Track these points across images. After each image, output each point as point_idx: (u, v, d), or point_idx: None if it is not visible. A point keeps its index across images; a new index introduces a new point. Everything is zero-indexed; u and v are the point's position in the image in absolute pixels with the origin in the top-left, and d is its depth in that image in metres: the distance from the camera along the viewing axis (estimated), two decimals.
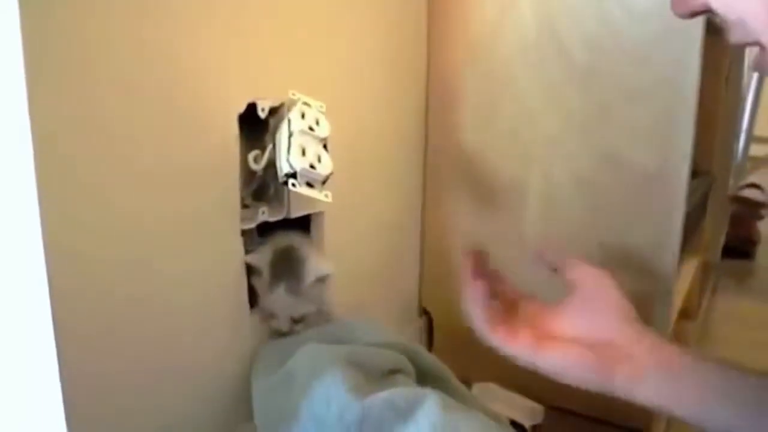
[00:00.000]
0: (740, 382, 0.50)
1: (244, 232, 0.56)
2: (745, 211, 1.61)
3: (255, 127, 0.55)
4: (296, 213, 0.60)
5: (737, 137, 1.27)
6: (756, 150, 1.77)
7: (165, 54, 0.47)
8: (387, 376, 0.53)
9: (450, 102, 0.80)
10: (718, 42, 0.68)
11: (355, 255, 0.70)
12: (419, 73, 0.80)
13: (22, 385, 0.47)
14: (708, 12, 0.36)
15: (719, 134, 1.10)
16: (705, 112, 0.75)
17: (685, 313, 1.03)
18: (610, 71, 0.70)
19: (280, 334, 0.57)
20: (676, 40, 0.66)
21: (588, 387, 0.51)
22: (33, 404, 0.46)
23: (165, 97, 0.47)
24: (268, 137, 0.56)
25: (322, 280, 0.58)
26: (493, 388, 0.74)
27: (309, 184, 0.53)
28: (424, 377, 0.57)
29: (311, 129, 0.53)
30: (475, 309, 0.54)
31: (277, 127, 0.55)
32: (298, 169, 0.51)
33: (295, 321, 0.57)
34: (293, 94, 0.55)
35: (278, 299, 0.56)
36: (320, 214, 0.64)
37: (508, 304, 0.58)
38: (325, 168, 0.53)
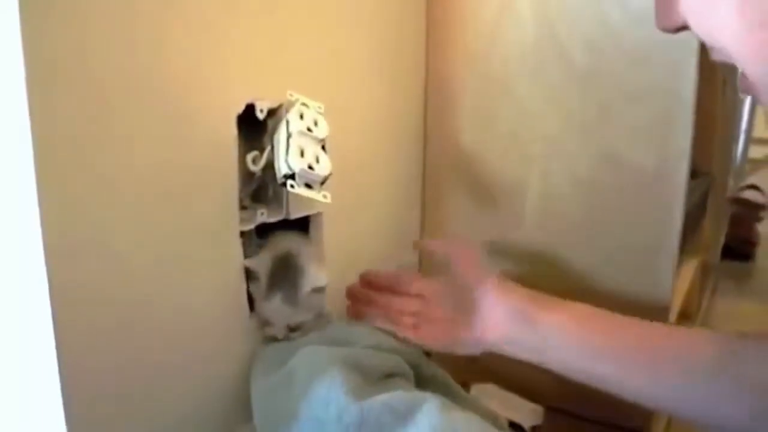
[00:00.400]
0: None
1: (242, 234, 0.56)
2: (745, 213, 1.61)
3: (253, 128, 0.55)
4: (295, 214, 0.60)
5: (736, 139, 1.27)
6: (755, 152, 1.78)
7: (163, 55, 0.47)
8: (386, 379, 0.53)
9: (449, 103, 0.80)
10: None
11: (354, 256, 0.70)
12: (418, 74, 0.80)
13: (22, 386, 0.47)
14: (689, 29, 0.37)
15: (718, 136, 1.10)
16: (704, 114, 0.75)
17: (685, 314, 1.03)
18: (610, 73, 0.70)
19: (275, 342, 0.57)
20: (674, 42, 0.66)
21: (470, 353, 0.61)
22: (32, 406, 0.46)
23: (163, 99, 0.47)
24: (266, 138, 0.56)
25: (319, 290, 0.58)
26: (491, 389, 0.74)
27: (308, 185, 0.53)
28: (423, 381, 0.57)
29: (310, 130, 0.53)
30: (387, 325, 0.61)
31: (275, 128, 0.55)
32: (296, 170, 0.51)
33: (292, 329, 0.57)
34: (291, 95, 0.55)
35: (274, 307, 0.56)
36: (319, 215, 0.64)
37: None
38: (323, 169, 0.53)
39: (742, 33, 0.33)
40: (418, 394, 0.49)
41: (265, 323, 0.57)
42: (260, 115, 0.55)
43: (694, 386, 0.53)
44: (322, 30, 0.62)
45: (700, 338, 0.55)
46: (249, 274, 0.56)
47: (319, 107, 0.56)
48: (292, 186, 0.52)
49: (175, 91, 0.48)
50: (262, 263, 0.56)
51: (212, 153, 0.52)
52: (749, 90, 0.37)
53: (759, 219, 1.64)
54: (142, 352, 0.49)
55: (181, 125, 0.49)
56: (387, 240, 0.79)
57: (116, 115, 0.44)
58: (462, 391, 0.60)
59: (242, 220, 0.56)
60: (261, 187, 0.58)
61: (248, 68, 0.54)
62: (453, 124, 0.80)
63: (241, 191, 0.55)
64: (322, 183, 0.53)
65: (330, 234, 0.65)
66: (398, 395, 0.48)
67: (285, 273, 0.56)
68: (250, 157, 0.55)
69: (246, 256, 0.56)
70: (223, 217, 0.54)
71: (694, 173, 0.91)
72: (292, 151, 0.52)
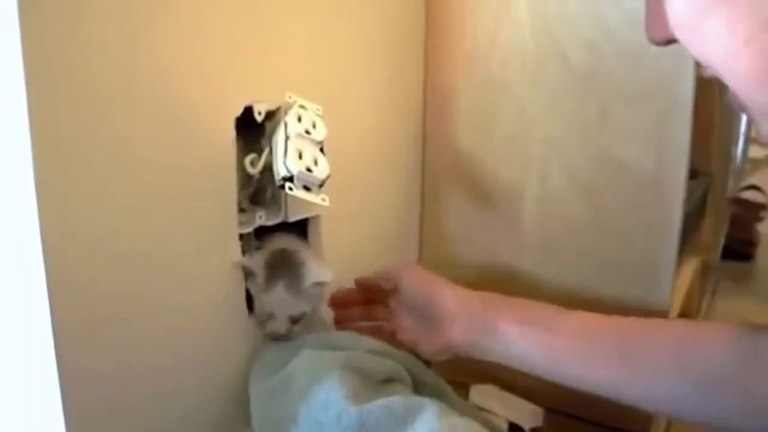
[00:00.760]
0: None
1: (241, 236, 0.56)
2: (745, 213, 1.61)
3: (252, 130, 0.55)
4: (294, 217, 0.60)
5: (736, 139, 1.26)
6: (755, 152, 1.77)
7: (161, 58, 0.47)
8: (384, 384, 0.53)
9: (447, 106, 0.80)
10: None
11: (353, 259, 0.70)
12: (417, 77, 0.80)
13: (21, 388, 0.47)
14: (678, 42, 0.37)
15: (718, 136, 1.09)
16: (703, 114, 0.75)
17: (685, 315, 1.03)
18: (608, 74, 0.70)
19: (277, 336, 0.57)
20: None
21: (444, 358, 0.63)
22: (31, 408, 0.46)
23: (161, 102, 0.47)
24: (264, 141, 0.56)
25: (320, 284, 0.58)
26: (491, 390, 0.74)
27: (306, 188, 0.53)
28: (421, 387, 0.57)
29: (308, 132, 0.53)
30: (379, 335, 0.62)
31: (273, 131, 0.55)
32: (294, 172, 0.51)
33: (294, 321, 0.57)
34: (290, 97, 0.55)
35: (276, 298, 0.56)
36: (317, 218, 0.64)
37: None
38: (321, 171, 0.53)
39: (730, 50, 0.34)
40: (418, 399, 0.49)
41: (267, 317, 0.57)
42: (259, 118, 0.55)
43: (656, 376, 0.54)
44: (321, 32, 0.63)
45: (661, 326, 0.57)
46: (246, 273, 0.56)
47: (318, 109, 0.56)
48: (290, 188, 0.52)
49: (173, 93, 0.48)
50: (257, 259, 0.56)
51: (211, 155, 0.52)
52: (739, 106, 0.37)
53: (759, 219, 1.64)
54: (140, 355, 0.49)
55: (180, 128, 0.49)
56: (386, 243, 0.79)
57: (115, 118, 0.44)
58: (458, 398, 0.61)
59: (241, 223, 0.56)
60: (259, 189, 0.58)
61: (246, 71, 0.54)
62: (452, 127, 0.80)
63: (239, 194, 0.56)
64: (321, 185, 0.53)
65: (329, 237, 0.65)
66: (397, 399, 0.48)
67: (284, 264, 0.56)
68: (248, 159, 0.55)
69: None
70: (221, 219, 0.54)
71: (694, 173, 0.91)
72: (291, 154, 0.52)
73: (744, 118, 1.74)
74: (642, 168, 0.70)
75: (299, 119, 0.54)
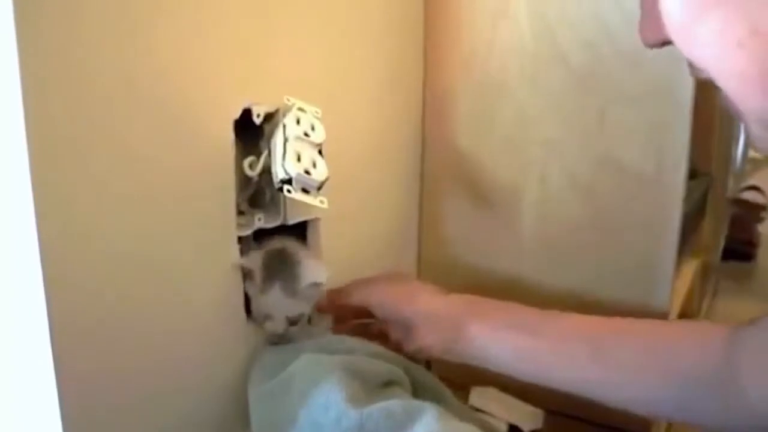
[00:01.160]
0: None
1: (240, 239, 0.56)
2: (746, 214, 1.61)
3: (250, 133, 0.55)
4: (293, 219, 0.60)
5: (736, 139, 1.26)
6: (756, 152, 1.77)
7: (160, 60, 0.47)
8: (383, 387, 0.53)
9: (446, 108, 0.80)
10: None
11: (352, 261, 0.70)
12: (416, 78, 0.80)
13: (18, 390, 0.47)
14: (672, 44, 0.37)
15: (717, 136, 1.09)
16: (703, 115, 0.75)
17: (685, 315, 1.03)
18: (607, 75, 0.70)
19: (275, 337, 0.57)
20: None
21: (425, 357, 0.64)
22: (28, 411, 0.46)
23: (160, 104, 0.47)
24: (263, 143, 0.56)
25: (317, 285, 0.58)
26: (492, 392, 0.73)
27: (304, 190, 0.53)
28: (420, 391, 0.57)
29: (306, 135, 0.53)
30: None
31: (272, 133, 0.55)
32: (293, 174, 0.51)
33: (291, 322, 0.57)
34: (288, 100, 0.55)
35: (273, 299, 0.56)
36: (316, 220, 0.63)
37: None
38: (320, 174, 0.53)
39: (722, 52, 0.34)
40: (417, 403, 0.49)
41: (264, 318, 0.57)
42: (257, 120, 0.55)
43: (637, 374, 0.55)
44: (320, 34, 0.62)
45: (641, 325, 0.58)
46: (244, 274, 0.56)
47: (316, 112, 0.56)
48: (288, 191, 0.52)
49: (171, 95, 0.48)
50: (254, 259, 0.56)
51: (209, 158, 0.52)
52: (731, 109, 0.37)
53: (760, 220, 1.64)
54: (138, 356, 0.49)
55: (178, 130, 0.49)
56: (385, 245, 0.78)
57: (112, 119, 0.44)
58: (458, 401, 0.61)
59: (239, 226, 0.56)
60: (258, 192, 0.58)
61: (245, 73, 0.54)
62: (451, 129, 0.80)
63: (238, 196, 0.55)
64: (319, 188, 0.53)
65: (327, 239, 0.65)
66: (397, 403, 0.48)
67: (281, 265, 0.56)
68: (247, 162, 0.55)
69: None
70: (220, 222, 0.54)
71: (694, 174, 0.90)
72: (289, 156, 0.52)
73: None
74: (642, 169, 0.70)
75: (298, 122, 0.54)
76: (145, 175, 0.47)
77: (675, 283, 0.73)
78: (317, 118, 0.55)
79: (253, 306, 0.57)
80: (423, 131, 0.82)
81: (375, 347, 0.59)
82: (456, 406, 0.60)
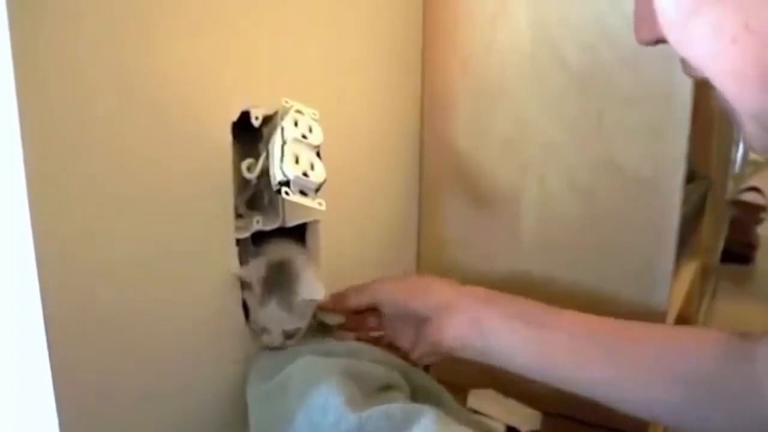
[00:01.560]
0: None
1: (238, 242, 0.56)
2: (745, 215, 1.61)
3: (248, 135, 0.55)
4: (291, 222, 0.60)
5: (736, 141, 1.26)
6: (755, 154, 1.77)
7: (158, 63, 0.47)
8: (381, 391, 0.53)
9: (445, 110, 0.80)
10: None
11: (350, 264, 0.70)
12: (414, 81, 0.80)
13: (15, 394, 0.47)
14: (667, 42, 0.37)
15: (717, 138, 1.09)
16: (701, 117, 0.75)
17: (685, 317, 1.03)
18: (606, 77, 0.70)
19: (272, 349, 0.57)
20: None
21: (431, 362, 0.64)
22: (25, 414, 0.46)
23: (158, 107, 0.47)
24: (261, 145, 0.56)
25: (313, 301, 0.57)
26: (490, 394, 0.73)
27: (302, 192, 0.53)
28: (419, 393, 0.57)
29: (304, 137, 0.53)
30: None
31: (270, 136, 0.55)
32: (291, 177, 0.51)
33: (288, 336, 0.57)
34: (286, 102, 0.55)
35: (270, 314, 0.56)
36: (315, 222, 0.63)
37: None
38: (318, 176, 0.53)
39: (716, 50, 0.34)
40: (416, 406, 0.49)
41: (261, 331, 0.57)
42: (255, 123, 0.55)
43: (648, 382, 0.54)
44: (318, 37, 0.62)
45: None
46: (242, 283, 0.56)
47: (314, 114, 0.56)
48: (287, 193, 0.52)
49: (170, 98, 0.48)
50: (254, 271, 0.56)
51: (208, 160, 0.52)
52: (726, 107, 0.37)
53: (759, 221, 1.63)
54: (136, 358, 0.49)
55: (176, 133, 0.49)
56: (384, 247, 0.78)
57: (110, 123, 0.44)
58: (457, 404, 0.61)
59: (238, 228, 0.56)
60: (257, 194, 0.58)
61: (243, 76, 0.54)
62: (449, 131, 0.80)
63: (236, 199, 0.55)
64: (317, 190, 0.53)
65: (327, 241, 0.65)
66: (396, 406, 0.48)
67: (279, 279, 0.56)
68: (245, 164, 0.55)
69: (242, 263, 0.56)
70: (218, 224, 0.54)
71: (692, 176, 0.90)
72: (287, 158, 0.52)
73: None
74: (640, 171, 0.70)
75: (296, 124, 0.54)
76: (143, 177, 0.47)
77: (674, 285, 0.74)
78: (315, 120, 0.55)
79: (252, 316, 0.57)
80: (422, 133, 0.82)
81: (374, 350, 0.59)
82: (455, 409, 0.60)
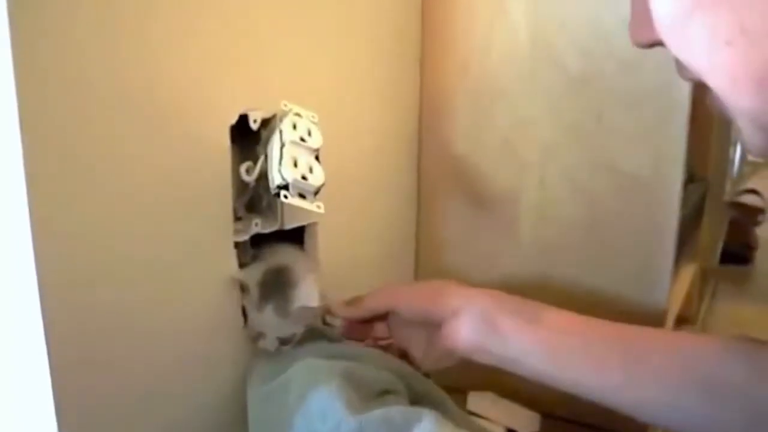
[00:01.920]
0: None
1: (237, 244, 0.56)
2: (744, 217, 1.61)
3: (247, 138, 0.55)
4: (290, 224, 0.60)
5: (734, 143, 1.27)
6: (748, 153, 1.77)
7: (156, 66, 0.47)
8: (380, 396, 0.53)
9: (443, 112, 0.80)
10: None
11: (350, 265, 0.70)
12: (413, 83, 0.80)
13: (13, 399, 0.46)
14: (662, 45, 0.37)
15: (715, 140, 1.10)
16: (700, 119, 0.75)
17: (685, 319, 1.03)
18: (604, 78, 0.70)
19: (268, 353, 0.57)
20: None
21: (446, 365, 0.61)
22: (24, 419, 0.46)
23: (157, 110, 0.47)
24: (260, 148, 0.56)
25: (308, 308, 0.57)
26: (489, 396, 0.74)
27: (301, 196, 0.53)
28: (419, 397, 0.57)
29: (303, 140, 0.53)
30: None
31: (269, 139, 0.55)
32: (289, 180, 0.51)
33: (283, 342, 0.57)
34: (285, 105, 0.55)
35: (266, 319, 0.56)
36: (314, 225, 0.63)
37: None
38: (317, 179, 0.53)
39: (712, 52, 0.34)
40: (416, 410, 0.49)
41: (258, 336, 0.57)
42: (254, 126, 0.55)
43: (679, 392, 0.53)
44: (317, 40, 0.63)
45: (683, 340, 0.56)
46: (241, 286, 0.56)
47: (313, 117, 0.56)
48: (285, 196, 0.52)
49: (168, 101, 0.48)
50: (252, 275, 0.56)
51: (206, 163, 0.52)
52: (721, 109, 0.37)
53: (758, 223, 1.63)
54: (134, 362, 0.49)
55: (175, 136, 0.49)
56: (383, 250, 0.78)
57: (108, 126, 0.44)
58: (456, 408, 0.60)
59: (236, 231, 0.56)
60: (255, 197, 0.58)
61: (242, 79, 0.54)
62: (448, 133, 0.80)
63: (235, 202, 0.55)
64: (316, 193, 0.53)
65: (325, 244, 0.65)
66: (396, 410, 0.48)
67: (277, 284, 0.56)
68: (243, 167, 0.55)
69: (240, 266, 0.56)
70: (217, 227, 0.54)
71: (691, 178, 0.91)
72: (285, 162, 0.52)
73: None
74: (639, 173, 0.70)
75: (294, 127, 0.54)
76: (141, 180, 0.47)
77: (673, 286, 0.74)
78: (314, 123, 0.55)
79: (249, 320, 0.57)
80: (420, 135, 0.82)
81: (374, 354, 0.59)
82: (455, 412, 0.59)
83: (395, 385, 0.55)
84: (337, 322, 0.63)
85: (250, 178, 0.55)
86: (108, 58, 0.43)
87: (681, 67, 0.37)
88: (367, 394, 0.52)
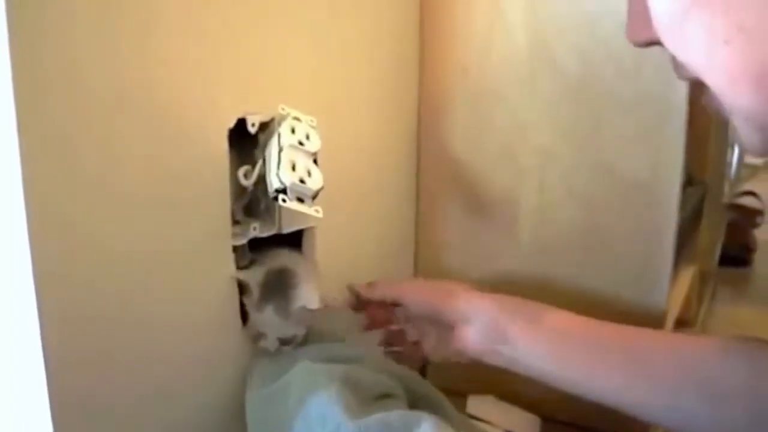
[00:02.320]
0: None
1: (235, 248, 0.56)
2: (742, 219, 1.61)
3: (245, 142, 0.55)
4: (288, 228, 0.60)
5: (732, 146, 1.27)
6: (752, 158, 1.77)
7: (154, 70, 0.47)
8: (379, 399, 0.53)
9: (442, 116, 0.80)
10: None
11: (348, 270, 0.70)
12: (411, 87, 0.80)
13: (10, 403, 0.46)
14: (660, 44, 0.37)
15: (713, 143, 1.10)
16: (698, 122, 0.75)
17: (684, 321, 1.03)
18: (602, 82, 0.70)
19: (268, 355, 0.57)
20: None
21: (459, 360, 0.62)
22: (21, 422, 0.46)
23: (155, 114, 0.47)
24: (258, 152, 0.56)
25: (308, 310, 0.57)
26: (489, 399, 0.73)
27: (299, 199, 0.53)
28: (418, 400, 0.57)
29: (301, 144, 0.53)
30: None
31: (267, 143, 0.55)
32: (287, 184, 0.51)
33: (284, 342, 0.57)
34: (283, 109, 0.55)
35: (266, 319, 0.56)
36: (312, 229, 0.63)
37: None
38: (315, 183, 0.53)
39: (709, 51, 0.33)
40: (415, 414, 0.49)
41: (258, 336, 0.57)
42: (252, 130, 0.55)
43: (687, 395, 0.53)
44: (315, 43, 0.63)
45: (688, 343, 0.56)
46: (241, 287, 0.56)
47: (311, 121, 0.56)
48: (283, 200, 0.52)
49: (166, 106, 0.48)
50: (253, 275, 0.56)
51: (204, 167, 0.52)
52: (717, 107, 0.37)
53: (756, 225, 1.64)
54: (133, 363, 0.49)
55: (173, 140, 0.49)
56: (382, 253, 0.78)
57: (106, 129, 0.44)
58: (456, 411, 0.60)
59: (235, 235, 0.56)
60: (253, 201, 0.58)
61: (240, 82, 0.54)
62: (447, 137, 0.80)
63: (233, 205, 0.55)
64: (314, 197, 0.53)
65: (323, 248, 0.65)
66: (395, 414, 0.48)
67: (278, 285, 0.56)
68: (242, 171, 0.55)
69: (238, 270, 0.56)
70: (215, 231, 0.54)
71: (689, 181, 0.91)
72: (284, 165, 0.52)
73: None
74: (637, 176, 0.70)
75: (293, 131, 0.54)
76: (139, 183, 0.47)
77: (672, 289, 0.74)
78: (312, 127, 0.55)
79: (250, 320, 0.57)
80: (419, 139, 0.82)
81: (374, 356, 0.58)
82: (454, 416, 0.59)
83: (394, 389, 0.55)
84: (343, 324, 0.63)
85: (248, 182, 0.55)
86: (107, 60, 0.43)
87: (678, 67, 0.37)
88: (367, 398, 0.52)
